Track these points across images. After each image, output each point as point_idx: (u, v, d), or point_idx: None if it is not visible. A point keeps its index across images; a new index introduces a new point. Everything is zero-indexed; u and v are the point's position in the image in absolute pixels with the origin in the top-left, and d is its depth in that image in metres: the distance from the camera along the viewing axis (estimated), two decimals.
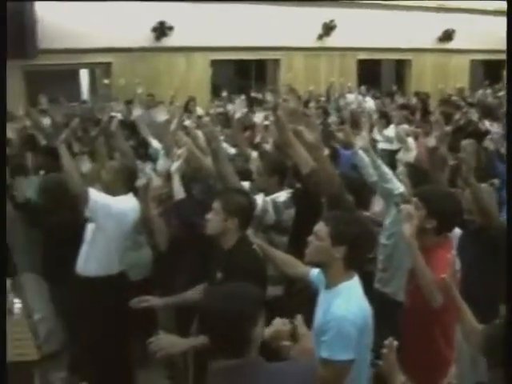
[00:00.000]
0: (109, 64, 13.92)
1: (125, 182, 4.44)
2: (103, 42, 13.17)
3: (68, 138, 4.61)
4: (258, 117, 7.72)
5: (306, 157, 3.61)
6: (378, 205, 5.21)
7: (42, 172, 5.74)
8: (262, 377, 2.25)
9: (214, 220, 3.37)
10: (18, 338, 3.76)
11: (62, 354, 5.30)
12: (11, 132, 8.60)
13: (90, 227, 4.35)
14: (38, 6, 12.69)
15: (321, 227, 2.87)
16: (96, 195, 4.22)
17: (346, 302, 2.72)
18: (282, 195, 4.30)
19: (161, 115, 6.22)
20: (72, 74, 15.62)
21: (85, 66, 15.19)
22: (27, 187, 5.31)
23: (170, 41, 13.99)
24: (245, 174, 4.61)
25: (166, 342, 3.17)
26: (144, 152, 6.76)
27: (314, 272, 3.15)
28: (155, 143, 6.50)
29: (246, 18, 14.18)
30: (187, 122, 6.51)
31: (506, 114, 6.48)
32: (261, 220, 4.09)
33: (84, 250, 4.38)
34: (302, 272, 3.30)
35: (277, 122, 3.69)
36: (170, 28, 13.81)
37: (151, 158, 6.38)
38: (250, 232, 3.56)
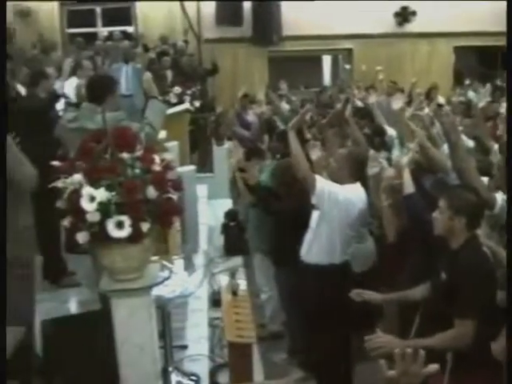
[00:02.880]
0: (350, 50, 13.98)
1: (353, 171, 4.38)
2: (345, 29, 13.27)
3: (299, 124, 4.64)
4: (504, 107, 7.23)
5: None
6: None
7: (278, 156, 5.91)
8: None
9: (440, 219, 3.19)
10: (239, 320, 3.88)
11: (284, 336, 5.44)
12: (252, 115, 9.04)
13: (315, 214, 4.36)
14: None
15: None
16: (323, 183, 4.22)
17: None
18: None
19: (397, 103, 6.06)
20: (314, 60, 15.90)
21: (327, 52, 15.42)
22: (261, 170, 5.50)
23: (412, 26, 13.64)
24: (484, 169, 4.32)
25: (384, 340, 3.06)
26: (379, 140, 6.64)
27: None
28: (391, 131, 6.36)
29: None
30: (426, 110, 6.27)
31: (507, 114, 5.63)
32: (498, 220, 3.78)
33: (308, 237, 4.40)
34: None
35: None
36: (413, 13, 13.45)
37: (386, 146, 6.24)
38: (481, 232, 3.32)
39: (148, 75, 4.45)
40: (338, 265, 4.35)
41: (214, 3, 13.10)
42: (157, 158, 2.69)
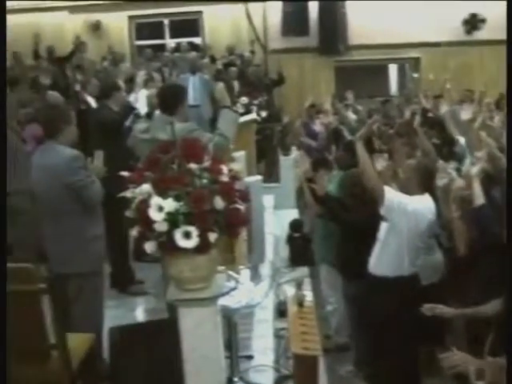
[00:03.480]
0: (417, 59, 13.78)
1: (422, 182, 4.31)
2: (412, 37, 13.09)
3: (367, 134, 4.59)
4: None
5: None
6: None
7: (345, 166, 5.86)
8: None
9: None
10: (305, 332, 3.84)
11: (350, 348, 5.37)
12: (319, 125, 9.02)
13: (383, 226, 4.30)
14: (348, 3, 13.06)
15: None
16: (392, 194, 4.16)
17: None
18: None
19: (466, 112, 5.94)
20: (380, 69, 15.74)
21: (393, 61, 15.24)
22: (329, 181, 5.46)
23: (481, 34, 13.32)
24: None
25: (459, 359, 2.96)
26: (448, 151, 6.50)
27: None
28: (462, 141, 6.22)
29: None
30: (496, 120, 6.13)
31: (507, 115, 5.70)
32: None
33: (376, 248, 4.35)
34: None
35: None
36: (483, 21, 13.15)
37: (457, 157, 6.11)
38: None
39: (221, 85, 4.50)
40: (407, 277, 4.27)
41: (279, 14, 13.15)
42: (224, 169, 2.69)
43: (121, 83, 6.58)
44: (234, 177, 2.74)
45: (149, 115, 4.88)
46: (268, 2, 13.39)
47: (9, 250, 5.90)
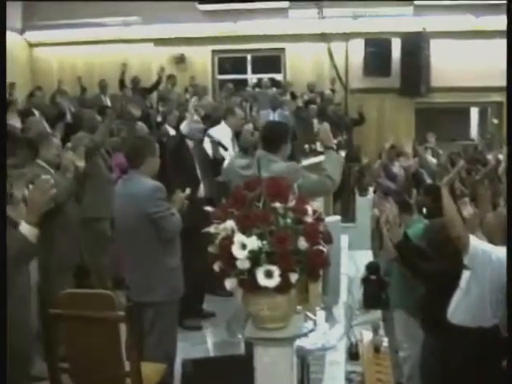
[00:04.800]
0: (500, 103, 13.48)
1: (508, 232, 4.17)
2: (495, 81, 12.80)
3: (453, 180, 4.51)
4: None
5: None
6: None
7: (424, 210, 5.77)
8: None
9: None
10: (380, 378, 3.76)
11: None
12: (398, 167, 8.91)
13: (465, 274, 4.18)
14: (431, 45, 12.97)
15: None
16: (477, 242, 4.05)
17: None
18: None
19: None
20: (462, 112, 15.50)
21: (475, 104, 14.99)
22: (408, 225, 5.37)
23: None
24: None
25: None
26: None
27: None
28: None
29: None
30: None
31: (507, 115, 5.44)
32: None
33: (457, 296, 4.22)
34: None
35: None
36: None
37: None
38: None
39: (326, 125, 4.43)
40: (487, 328, 4.12)
41: (362, 54, 13.18)
42: (309, 209, 2.68)
43: (195, 115, 6.72)
44: (319, 218, 2.73)
45: (246, 150, 4.87)
46: (350, 42, 13.47)
47: (86, 273, 6.09)
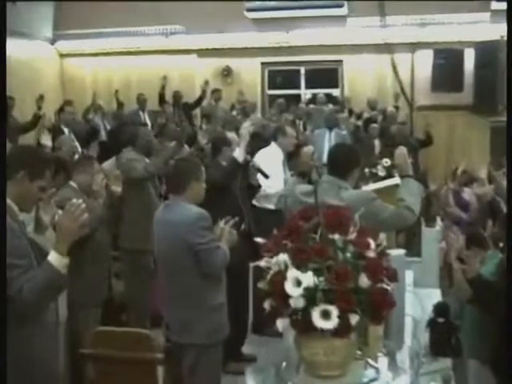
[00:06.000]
0: None
1: None
2: None
3: None
4: None
5: None
6: None
7: (501, 244, 5.69)
8: None
9: None
10: None
11: None
12: (471, 195, 8.79)
13: None
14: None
15: None
16: None
17: None
18: None
19: None
20: None
21: None
22: (483, 262, 5.30)
23: None
24: None
25: None
26: None
27: None
28: None
29: None
30: None
31: (507, 116, 5.86)
32: None
33: None
34: None
35: None
36: None
37: None
38: None
39: (402, 149, 4.38)
40: None
41: (430, 66, 13.07)
42: (372, 243, 2.69)
43: (233, 137, 6.73)
44: (382, 252, 2.73)
45: (303, 176, 4.86)
46: (417, 52, 13.40)
47: (116, 309, 6.17)
